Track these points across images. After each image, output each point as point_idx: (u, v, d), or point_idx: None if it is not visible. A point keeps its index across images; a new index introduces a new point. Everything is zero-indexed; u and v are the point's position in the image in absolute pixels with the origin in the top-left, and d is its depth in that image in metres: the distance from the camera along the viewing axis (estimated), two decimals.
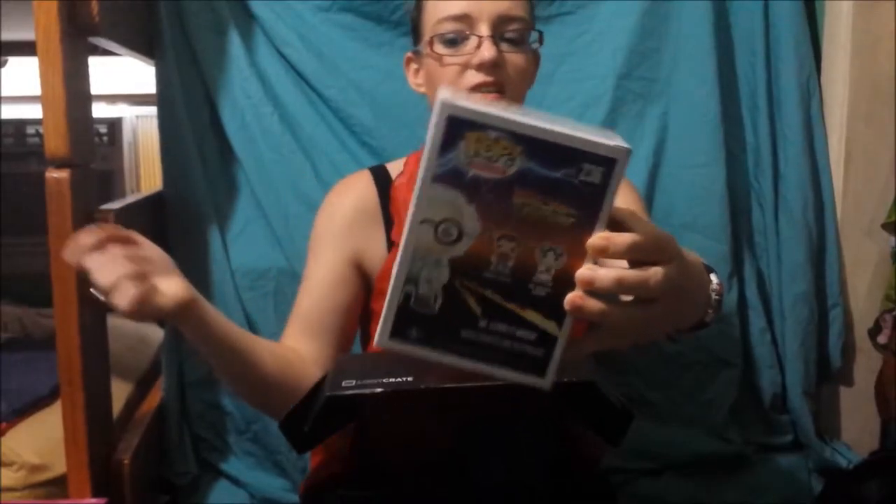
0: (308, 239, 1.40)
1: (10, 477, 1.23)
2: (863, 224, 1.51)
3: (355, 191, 1.10)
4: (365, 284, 1.08)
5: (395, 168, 1.13)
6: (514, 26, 0.99)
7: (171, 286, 0.80)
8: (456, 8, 0.98)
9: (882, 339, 1.44)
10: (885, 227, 1.47)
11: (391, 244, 1.06)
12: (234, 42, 1.41)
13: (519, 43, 1.00)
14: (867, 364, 1.53)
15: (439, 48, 0.99)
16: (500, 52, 0.97)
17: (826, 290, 1.51)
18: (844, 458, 1.48)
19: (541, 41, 1.03)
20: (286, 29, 1.42)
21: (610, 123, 1.45)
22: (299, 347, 1.02)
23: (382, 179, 1.11)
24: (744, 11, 1.47)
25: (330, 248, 1.07)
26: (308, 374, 0.97)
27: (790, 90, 1.47)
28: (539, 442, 0.93)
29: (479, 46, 0.97)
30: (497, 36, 0.98)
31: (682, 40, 1.45)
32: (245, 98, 1.42)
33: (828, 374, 1.55)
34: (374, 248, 1.07)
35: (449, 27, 0.99)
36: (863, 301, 1.53)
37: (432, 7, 1.01)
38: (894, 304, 1.44)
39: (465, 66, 0.98)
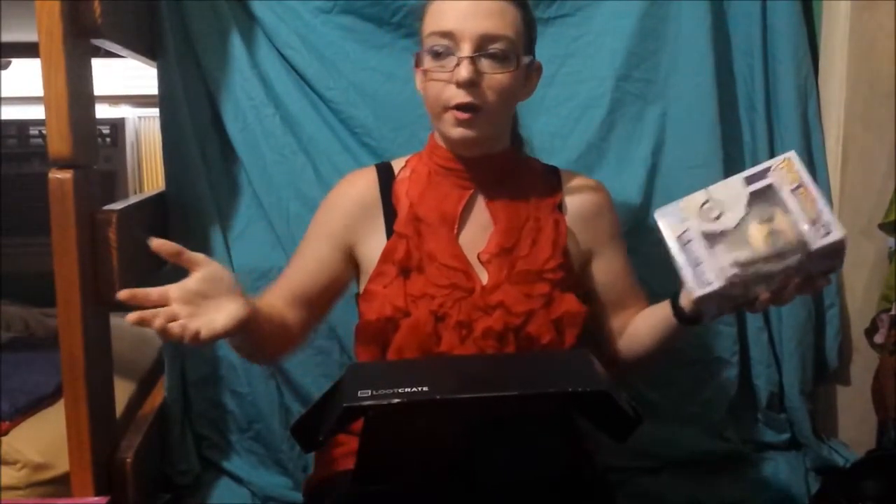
0: None
1: (12, 475, 1.24)
2: (860, 224, 1.51)
3: (358, 187, 1.15)
4: (354, 267, 1.15)
5: (398, 165, 1.17)
6: (496, 45, 1.02)
7: (223, 313, 0.89)
8: (443, 25, 1.03)
9: (879, 338, 1.45)
10: (882, 227, 1.47)
11: (391, 233, 1.10)
12: (236, 43, 1.42)
13: (502, 60, 1.02)
14: (864, 363, 1.53)
15: (427, 61, 1.04)
16: (478, 71, 1.01)
17: (823, 291, 1.52)
18: (841, 457, 1.48)
19: (539, 70, 1.08)
20: (287, 31, 1.43)
21: (609, 124, 1.46)
22: (286, 313, 1.10)
23: (386, 175, 1.15)
24: (741, 13, 1.48)
25: (326, 237, 1.14)
26: (294, 340, 1.13)
27: (788, 91, 1.48)
28: (546, 442, 0.94)
29: (458, 65, 1.01)
30: (480, 54, 1.01)
31: (680, 42, 1.46)
32: (247, 99, 1.43)
33: (825, 374, 1.55)
34: (372, 237, 1.12)
35: (436, 42, 1.03)
36: (860, 301, 1.53)
37: (429, 18, 1.06)
38: (891, 303, 1.44)
39: (448, 82, 1.02)
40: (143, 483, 1.28)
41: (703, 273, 0.92)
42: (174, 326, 0.84)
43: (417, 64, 1.09)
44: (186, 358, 1.46)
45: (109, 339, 1.23)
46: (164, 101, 1.42)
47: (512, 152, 1.13)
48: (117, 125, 1.95)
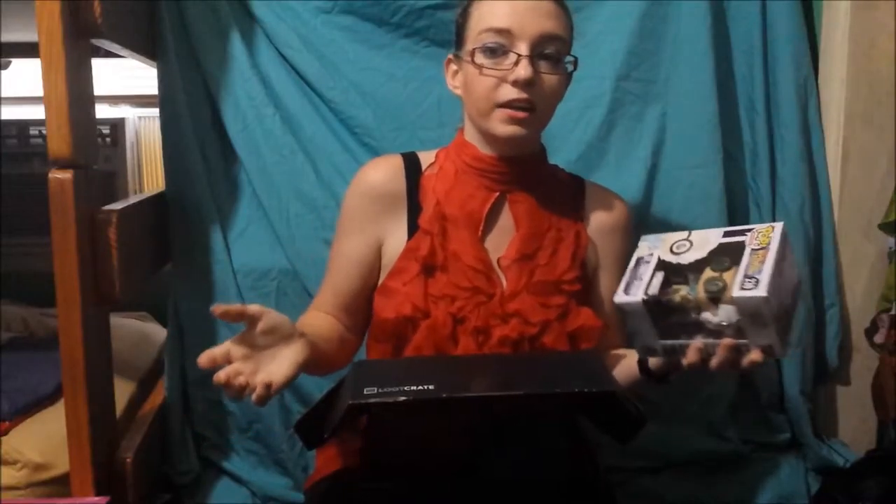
0: (309, 239, 1.43)
1: (13, 475, 1.24)
2: (860, 224, 1.51)
3: (385, 172, 1.12)
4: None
5: (425, 158, 1.14)
6: (553, 46, 1.01)
7: (284, 363, 0.89)
8: (499, 21, 1.01)
9: (879, 338, 1.45)
10: (882, 227, 1.47)
11: (416, 228, 1.08)
12: (236, 43, 1.42)
13: (556, 62, 1.02)
14: (864, 363, 1.53)
15: (479, 58, 1.02)
16: (536, 71, 1.00)
17: (823, 291, 1.52)
18: (841, 457, 1.48)
19: (575, 66, 1.05)
20: (287, 31, 1.43)
21: (609, 124, 1.46)
22: (339, 318, 1.12)
23: (413, 166, 1.12)
24: (741, 13, 1.48)
25: (359, 230, 1.11)
26: (354, 346, 1.14)
27: (787, 91, 1.48)
28: (550, 442, 0.94)
29: (516, 64, 0.99)
30: (535, 54, 1.00)
31: (679, 42, 1.46)
32: (247, 99, 1.43)
33: (825, 374, 1.55)
34: (395, 230, 1.10)
35: (490, 38, 1.01)
36: (860, 301, 1.53)
37: (478, 16, 1.04)
38: (891, 303, 1.44)
39: (502, 80, 1.01)
40: (143, 483, 1.28)
41: (632, 286, 0.94)
42: (240, 381, 0.85)
43: (449, 63, 1.09)
44: (186, 358, 1.46)
45: (109, 339, 1.23)
46: (164, 101, 1.42)
47: (541, 155, 1.13)
48: (117, 125, 1.95)
